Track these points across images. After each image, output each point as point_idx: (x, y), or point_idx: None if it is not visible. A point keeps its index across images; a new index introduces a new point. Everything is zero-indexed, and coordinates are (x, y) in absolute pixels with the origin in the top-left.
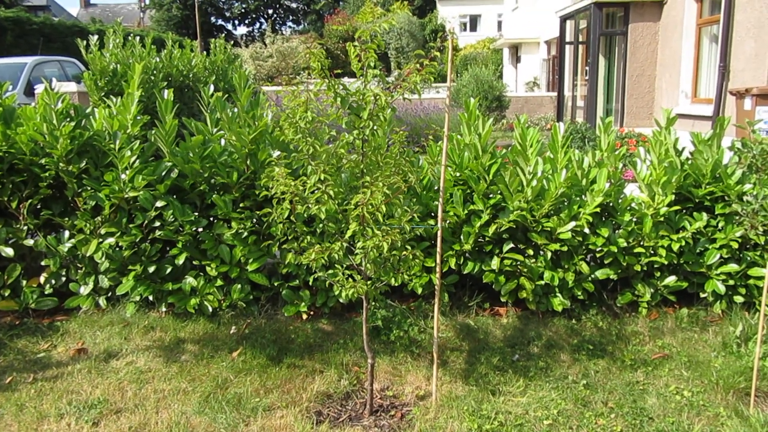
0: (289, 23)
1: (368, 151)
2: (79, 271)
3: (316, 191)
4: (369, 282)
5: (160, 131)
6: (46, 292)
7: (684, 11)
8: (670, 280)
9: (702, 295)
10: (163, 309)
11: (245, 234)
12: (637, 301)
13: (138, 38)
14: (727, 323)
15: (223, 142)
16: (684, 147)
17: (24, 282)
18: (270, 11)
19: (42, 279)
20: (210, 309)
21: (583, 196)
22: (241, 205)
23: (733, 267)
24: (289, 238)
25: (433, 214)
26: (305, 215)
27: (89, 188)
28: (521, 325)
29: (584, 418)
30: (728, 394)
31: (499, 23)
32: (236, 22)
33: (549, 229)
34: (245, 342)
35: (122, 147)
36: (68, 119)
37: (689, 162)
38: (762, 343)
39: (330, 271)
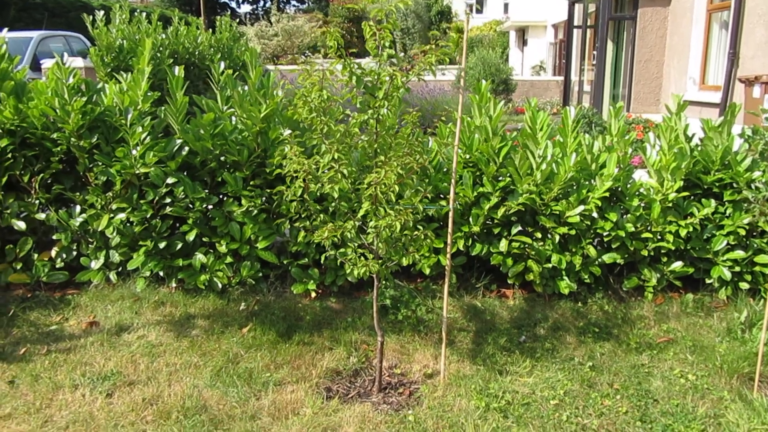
0: (294, 2)
1: (381, 130)
2: (90, 245)
3: (329, 170)
4: (380, 261)
5: (171, 108)
6: (57, 266)
7: None
8: (677, 265)
9: (708, 281)
10: (173, 285)
11: (255, 212)
12: (643, 286)
13: (144, 15)
14: (732, 309)
15: (233, 120)
16: (694, 133)
17: (35, 256)
18: None
19: (53, 253)
20: (219, 285)
21: (592, 181)
22: (251, 183)
23: (739, 254)
24: (302, 216)
25: (442, 196)
26: (317, 194)
27: (100, 163)
28: (528, 307)
29: (590, 398)
30: (732, 378)
31: (506, 5)
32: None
33: (557, 212)
34: (255, 318)
35: (133, 123)
36: (79, 94)
37: (699, 148)
38: (767, 330)
39: (341, 250)
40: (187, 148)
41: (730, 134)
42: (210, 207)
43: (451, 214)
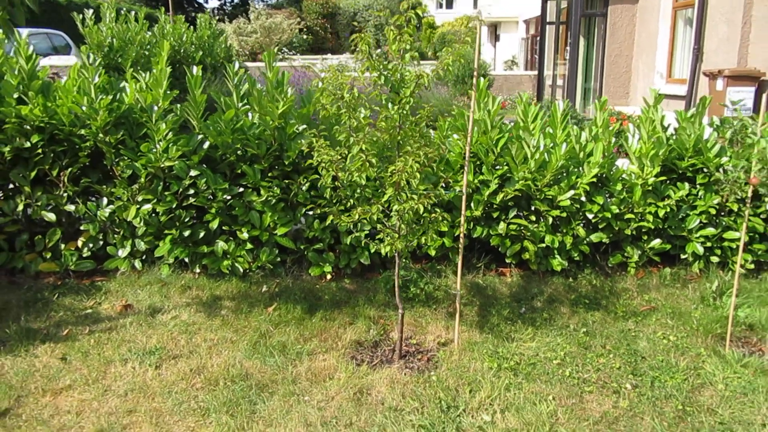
0: None
1: (405, 123)
2: (116, 235)
3: (357, 160)
4: (404, 239)
5: (190, 104)
6: (83, 255)
7: None
8: (656, 242)
9: (683, 256)
10: (197, 270)
11: (274, 201)
12: (626, 262)
13: (133, 14)
14: (704, 280)
15: (249, 115)
16: (669, 123)
17: (62, 246)
18: None
19: (80, 243)
20: (241, 270)
21: (580, 168)
22: (269, 174)
23: (710, 231)
24: (333, 201)
25: (443, 184)
26: (346, 181)
27: (126, 158)
28: (524, 283)
29: (587, 357)
30: (707, 338)
31: (475, 1)
32: None
33: (550, 197)
34: (278, 299)
35: (158, 119)
36: (104, 93)
37: (674, 137)
38: (735, 296)
39: (356, 234)
40: (207, 143)
41: (702, 124)
42: (230, 197)
43: (464, 198)
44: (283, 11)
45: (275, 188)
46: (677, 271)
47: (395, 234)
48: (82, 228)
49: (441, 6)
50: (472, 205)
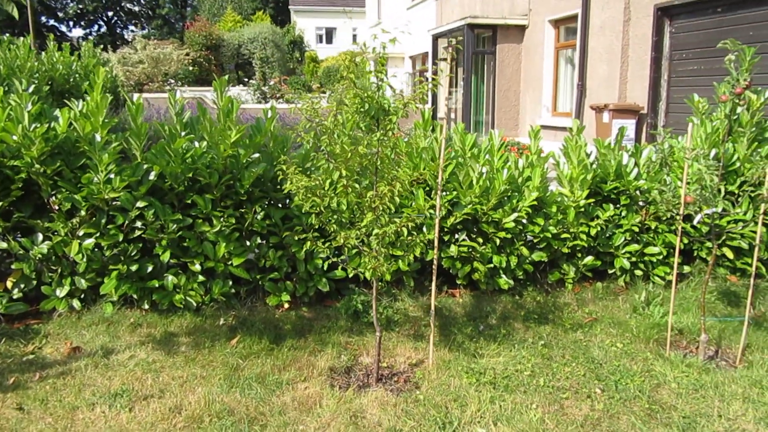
0: (131, 27)
1: (384, 149)
2: (52, 273)
3: (339, 185)
4: (386, 262)
5: (133, 133)
6: (14, 297)
7: (544, 35)
8: (588, 259)
9: (610, 271)
10: (146, 306)
11: (228, 231)
12: (563, 279)
13: (21, 39)
14: (632, 292)
15: (196, 144)
16: (591, 151)
17: None
18: (110, 13)
19: (9, 284)
20: (194, 304)
21: (518, 193)
22: (221, 204)
23: (634, 247)
24: (315, 227)
25: (401, 210)
26: (322, 207)
27: (65, 190)
28: (475, 302)
29: (553, 367)
30: (648, 343)
31: (354, 36)
32: (71, 23)
33: (496, 219)
34: (239, 331)
35: (100, 149)
36: (37, 121)
37: (597, 162)
38: (662, 305)
39: (342, 257)
40: (153, 173)
41: (620, 151)
42: (179, 229)
43: (437, 220)
44: (164, 42)
45: (229, 218)
46: (607, 284)
47: (378, 257)
48: (12, 267)
49: (321, 41)
50: (424, 229)
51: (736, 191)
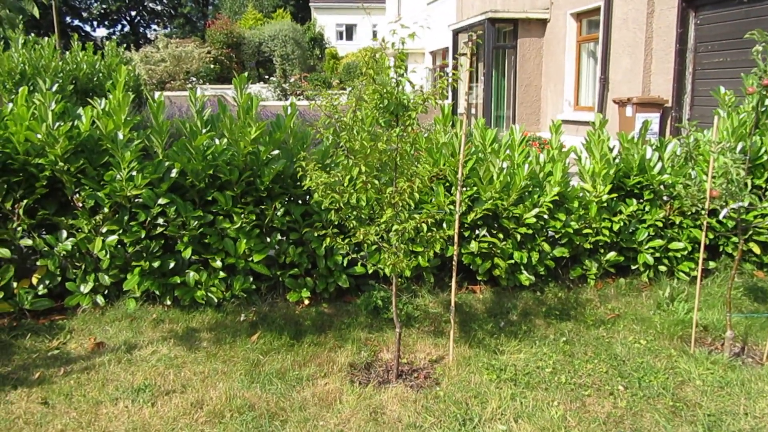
0: (154, 26)
1: (403, 144)
2: (77, 270)
3: (358, 181)
4: (405, 258)
5: (154, 131)
6: (39, 293)
7: (566, 29)
8: (611, 255)
9: (633, 267)
10: (168, 302)
11: (248, 227)
12: (585, 274)
13: (46, 40)
14: (655, 288)
15: (217, 141)
16: (614, 145)
17: (15, 284)
18: (133, 13)
19: (34, 280)
20: (215, 300)
21: (539, 188)
22: (241, 200)
23: (658, 242)
24: (335, 223)
25: (421, 206)
26: (343, 204)
27: (88, 187)
28: (496, 298)
29: (575, 364)
30: (673, 340)
31: (374, 33)
32: (95, 23)
33: (517, 215)
34: (260, 327)
35: (122, 147)
36: (62, 119)
37: (620, 157)
38: (687, 301)
39: (335, 257)
40: (175, 170)
41: (644, 146)
42: (201, 225)
43: (457, 216)
44: (186, 40)
45: (250, 214)
46: (631, 280)
47: (398, 254)
48: (38, 263)
49: (341, 37)
50: (444, 225)
51: (764, 185)
